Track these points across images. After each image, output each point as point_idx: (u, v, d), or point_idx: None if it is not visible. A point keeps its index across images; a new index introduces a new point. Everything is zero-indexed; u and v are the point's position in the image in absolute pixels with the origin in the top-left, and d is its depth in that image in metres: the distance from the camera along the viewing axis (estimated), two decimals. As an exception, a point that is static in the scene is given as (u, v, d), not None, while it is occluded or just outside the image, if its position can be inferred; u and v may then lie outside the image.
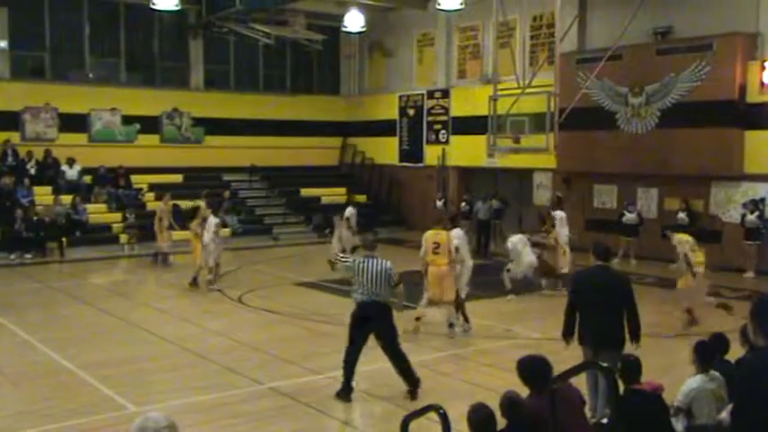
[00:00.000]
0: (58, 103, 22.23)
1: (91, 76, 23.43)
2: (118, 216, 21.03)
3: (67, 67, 23.10)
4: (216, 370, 9.45)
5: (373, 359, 8.58)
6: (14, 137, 21.60)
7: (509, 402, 4.90)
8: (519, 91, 18.31)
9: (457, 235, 11.25)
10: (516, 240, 13.98)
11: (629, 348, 6.88)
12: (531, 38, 21.46)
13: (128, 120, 23.50)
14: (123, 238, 20.28)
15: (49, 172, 21.42)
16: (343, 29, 23.27)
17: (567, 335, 7.31)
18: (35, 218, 19.15)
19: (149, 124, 23.84)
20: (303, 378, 9.10)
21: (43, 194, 20.54)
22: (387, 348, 8.31)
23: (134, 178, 22.60)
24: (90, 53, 23.27)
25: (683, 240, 11.46)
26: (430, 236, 10.82)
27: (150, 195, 22.62)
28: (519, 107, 18.69)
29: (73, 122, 22.49)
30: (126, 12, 23.48)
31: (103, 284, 16.26)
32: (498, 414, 4.93)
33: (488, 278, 16.64)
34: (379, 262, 8.29)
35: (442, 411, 4.67)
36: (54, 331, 11.47)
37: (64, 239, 19.25)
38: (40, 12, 22.20)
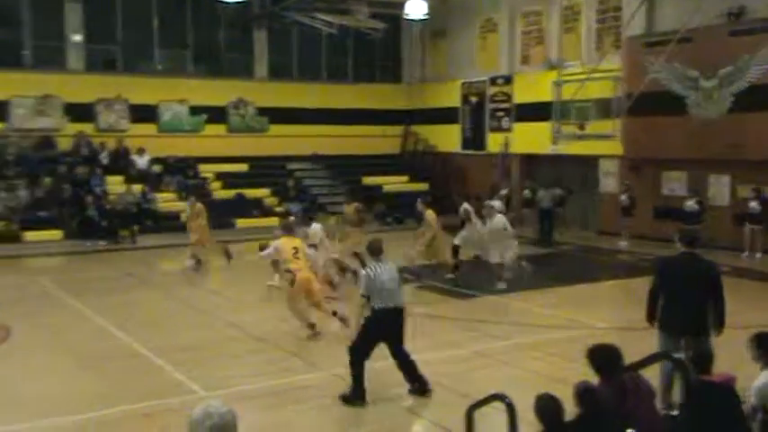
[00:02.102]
0: (129, 94, 22.89)
1: (160, 67, 24.06)
2: (186, 205, 21.51)
3: (137, 60, 23.79)
4: (282, 356, 9.61)
5: (434, 349, 8.58)
6: (89, 128, 22.36)
7: (585, 391, 4.82)
8: (584, 76, 17.98)
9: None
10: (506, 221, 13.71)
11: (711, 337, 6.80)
12: (597, 21, 21.00)
13: (195, 110, 24.03)
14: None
15: (120, 162, 22.10)
16: (405, 16, 23.20)
17: (652, 319, 7.25)
18: (108, 206, 19.80)
19: (216, 114, 24.33)
20: (366, 364, 9.14)
21: (116, 183, 21.22)
22: (397, 351, 7.98)
23: (201, 167, 23.10)
24: (159, 45, 23.87)
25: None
26: (285, 242, 10.52)
27: (217, 184, 23.11)
28: (584, 93, 18.35)
29: (143, 113, 23.14)
30: (192, 4, 23.97)
31: (173, 271, 16.70)
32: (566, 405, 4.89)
33: (552, 267, 16.52)
34: (390, 266, 8.01)
35: (508, 401, 4.66)
36: (127, 316, 11.84)
37: (135, 227, 19.84)
38: (112, 6, 22.86)
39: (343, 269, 13.78)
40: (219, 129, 24.47)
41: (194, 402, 7.27)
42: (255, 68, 25.43)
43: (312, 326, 10.37)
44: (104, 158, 21.91)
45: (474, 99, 25.20)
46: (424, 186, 25.21)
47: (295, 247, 10.44)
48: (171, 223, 20.77)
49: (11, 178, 20.17)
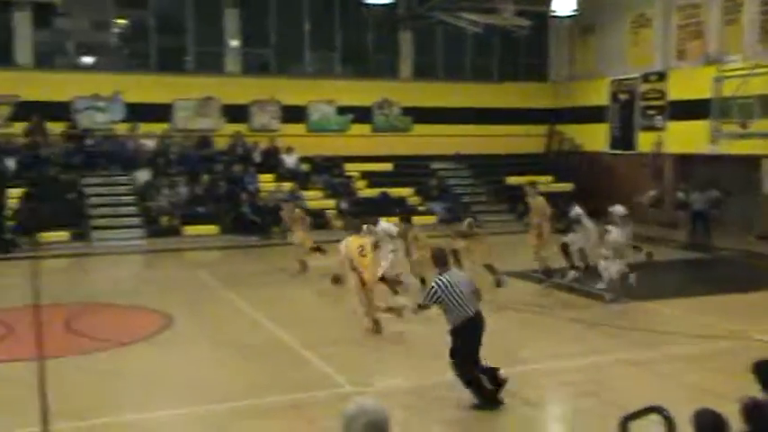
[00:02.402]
0: (280, 95, 23.90)
1: (309, 69, 24.95)
2: (332, 203, 22.20)
3: (289, 62, 24.80)
4: (425, 355, 9.67)
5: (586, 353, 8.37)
6: (243, 128, 23.54)
7: (755, 407, 4.51)
8: (747, 71, 16.87)
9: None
10: (618, 232, 12.79)
11: None
12: (762, 13, 19.61)
13: (342, 110, 24.71)
14: (337, 224, 21.34)
15: (271, 160, 23.10)
16: (552, 13, 22.70)
17: None
18: (260, 203, 20.75)
19: (361, 114, 24.90)
20: (515, 368, 8.98)
21: (267, 181, 22.21)
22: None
23: (347, 166, 23.72)
24: (309, 48, 24.75)
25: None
26: (353, 241, 10.79)
27: (362, 183, 23.64)
28: (747, 89, 17.21)
29: (293, 114, 24.08)
30: (341, 7, 24.66)
31: (320, 267, 17.19)
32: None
33: (707, 274, 15.66)
34: (460, 272, 8.21)
35: (666, 413, 4.46)
36: (279, 310, 12.35)
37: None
38: (267, 11, 23.94)
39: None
40: (364, 128, 25.01)
41: (341, 397, 7.53)
42: (400, 69, 25.79)
43: (377, 322, 10.66)
44: (257, 157, 22.99)
45: (623, 97, 24.27)
46: (568, 186, 24.56)
47: (361, 246, 10.79)
48: (318, 220, 21.39)
49: (173, 175, 21.59)
